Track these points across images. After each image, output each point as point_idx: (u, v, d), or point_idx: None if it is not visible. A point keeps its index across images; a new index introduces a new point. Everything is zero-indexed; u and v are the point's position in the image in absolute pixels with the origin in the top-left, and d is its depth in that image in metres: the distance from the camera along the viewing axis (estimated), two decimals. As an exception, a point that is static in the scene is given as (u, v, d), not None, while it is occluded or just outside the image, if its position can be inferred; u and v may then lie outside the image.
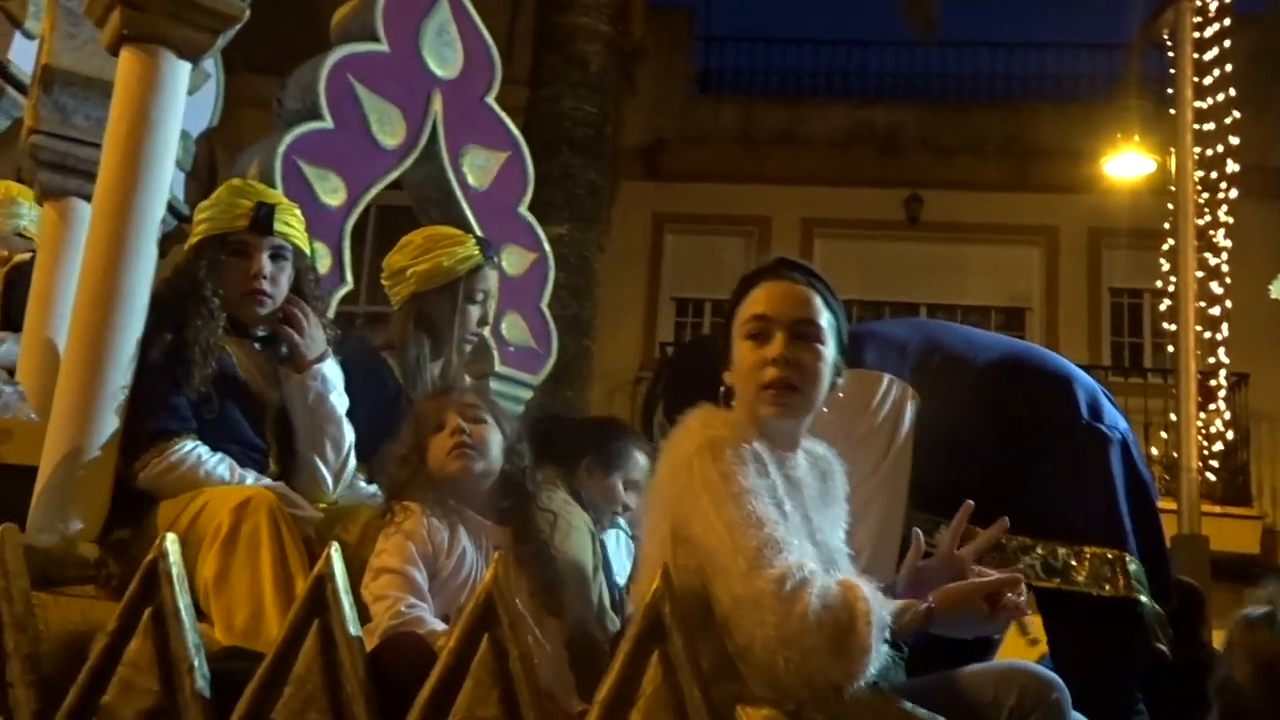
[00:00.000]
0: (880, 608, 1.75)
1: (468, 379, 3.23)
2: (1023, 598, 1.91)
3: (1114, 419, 2.76)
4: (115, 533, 2.48)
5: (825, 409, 2.07)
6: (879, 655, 1.74)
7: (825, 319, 2.04)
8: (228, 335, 2.65)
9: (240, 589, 2.25)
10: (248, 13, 2.72)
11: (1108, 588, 2.56)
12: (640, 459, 3.12)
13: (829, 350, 2.03)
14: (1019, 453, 2.67)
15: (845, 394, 2.11)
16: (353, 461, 2.72)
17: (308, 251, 2.83)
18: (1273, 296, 5.22)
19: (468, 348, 3.28)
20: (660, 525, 1.95)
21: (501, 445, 2.41)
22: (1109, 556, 2.58)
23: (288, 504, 2.43)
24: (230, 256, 2.66)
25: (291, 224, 2.75)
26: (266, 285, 2.67)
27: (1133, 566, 2.60)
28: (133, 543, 2.46)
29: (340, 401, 2.69)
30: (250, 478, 2.54)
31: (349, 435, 2.69)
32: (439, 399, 2.46)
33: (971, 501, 2.12)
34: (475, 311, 3.21)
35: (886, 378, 2.71)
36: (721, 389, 2.06)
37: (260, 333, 2.75)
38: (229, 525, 2.28)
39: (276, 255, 2.70)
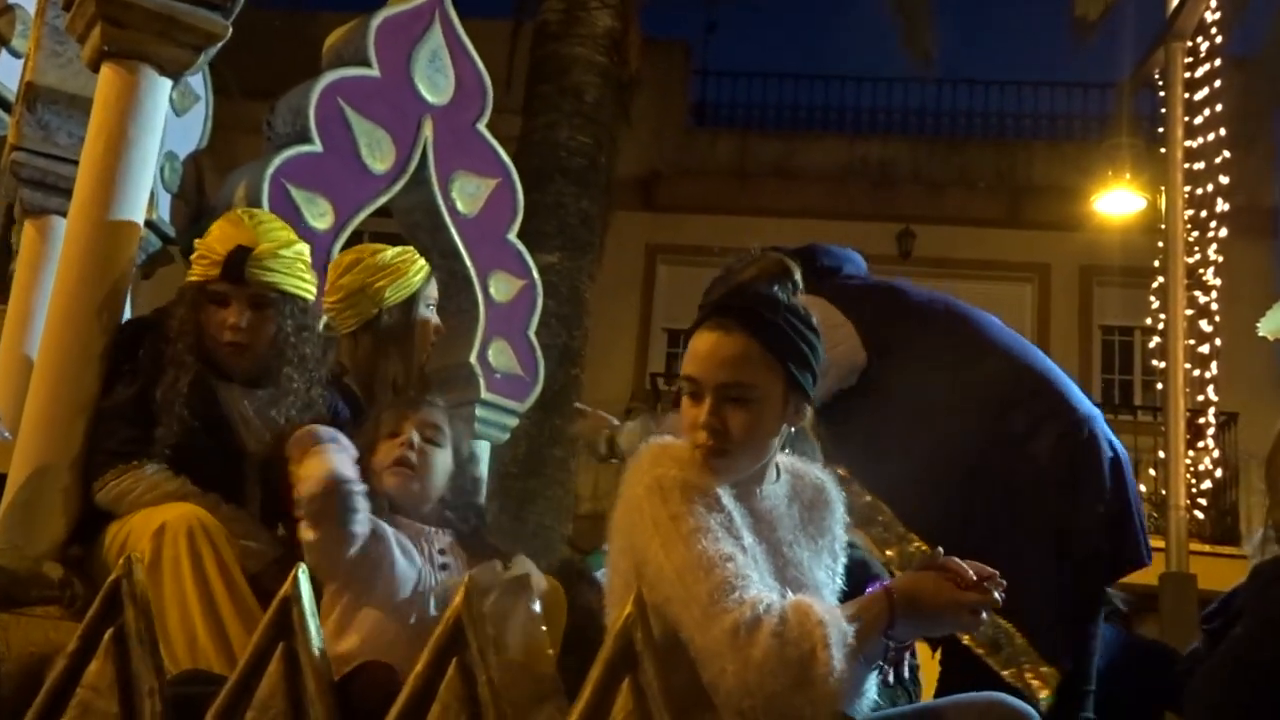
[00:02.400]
0: (838, 623, 1.70)
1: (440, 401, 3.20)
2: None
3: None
4: (71, 549, 2.45)
5: (784, 448, 2.01)
6: (851, 673, 1.69)
7: (761, 370, 1.90)
8: (217, 379, 2.60)
9: (173, 619, 2.22)
10: (230, 30, 2.70)
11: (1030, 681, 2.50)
12: None
13: (768, 402, 1.91)
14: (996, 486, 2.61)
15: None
16: None
17: (302, 293, 2.70)
18: (1261, 335, 5.20)
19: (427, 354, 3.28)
20: (620, 561, 1.92)
21: (448, 472, 2.32)
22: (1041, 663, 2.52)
23: (235, 524, 2.41)
24: (210, 305, 2.60)
25: (274, 268, 2.62)
26: (240, 337, 2.60)
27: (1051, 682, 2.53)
28: (87, 560, 2.43)
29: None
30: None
31: None
32: (405, 408, 2.37)
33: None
34: (433, 316, 3.26)
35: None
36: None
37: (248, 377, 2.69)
38: (150, 553, 2.24)
39: (259, 303, 2.62)
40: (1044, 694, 2.49)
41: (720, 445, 1.88)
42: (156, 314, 2.65)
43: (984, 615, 1.80)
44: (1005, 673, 2.48)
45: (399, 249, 3.31)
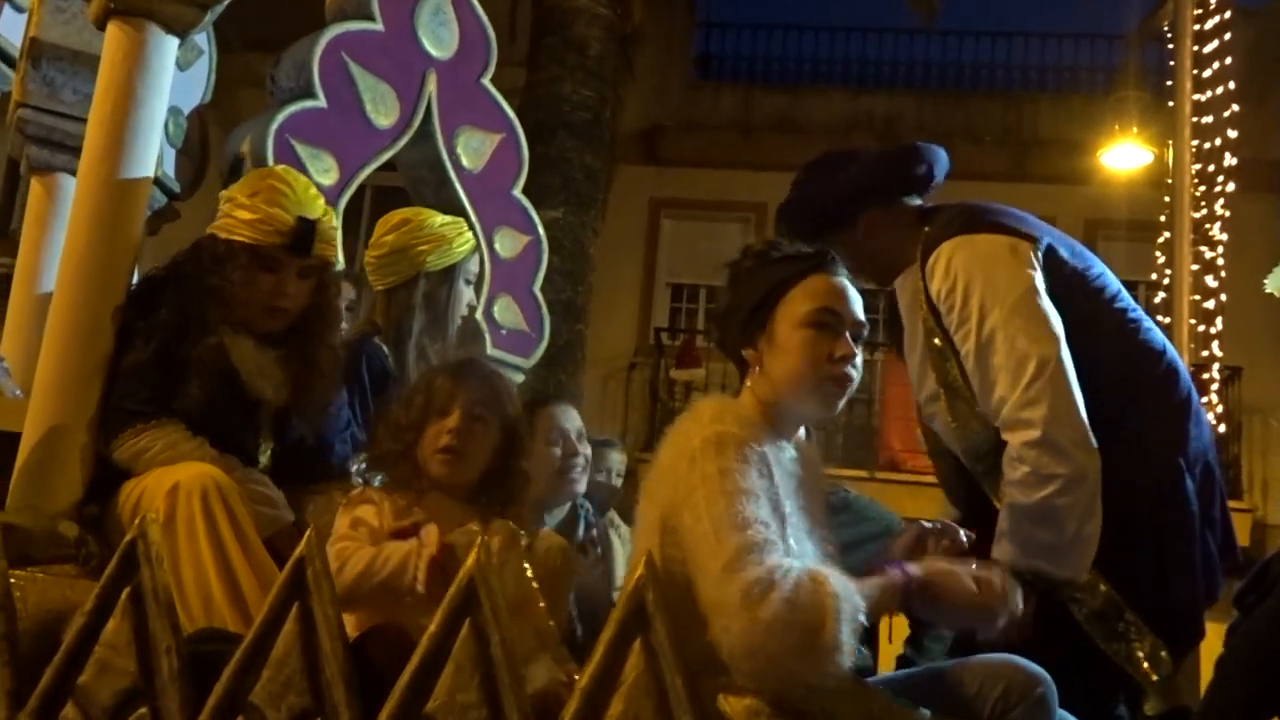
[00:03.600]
0: (850, 597, 1.72)
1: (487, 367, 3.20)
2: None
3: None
4: (87, 508, 2.46)
5: None
6: (854, 647, 1.71)
7: None
8: (232, 333, 2.58)
9: (188, 577, 2.23)
10: (236, -11, 2.68)
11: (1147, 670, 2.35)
12: None
13: None
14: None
15: None
16: None
17: (338, 261, 2.74)
18: (1268, 290, 5.19)
19: (456, 328, 3.28)
20: (651, 511, 1.93)
21: (494, 446, 2.31)
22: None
23: (252, 485, 2.42)
24: (259, 269, 2.57)
25: (330, 240, 2.66)
26: (288, 303, 2.61)
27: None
28: (102, 519, 2.44)
29: None
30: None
31: None
32: (455, 381, 2.32)
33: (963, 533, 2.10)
34: (469, 294, 3.25)
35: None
36: (744, 364, 2.05)
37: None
38: (164, 512, 2.24)
39: (306, 272, 2.63)
40: (1154, 676, 2.35)
41: (852, 380, 2.00)
42: (170, 268, 2.62)
43: (999, 623, 1.84)
44: (1110, 646, 2.34)
45: (450, 218, 3.32)
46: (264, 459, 2.59)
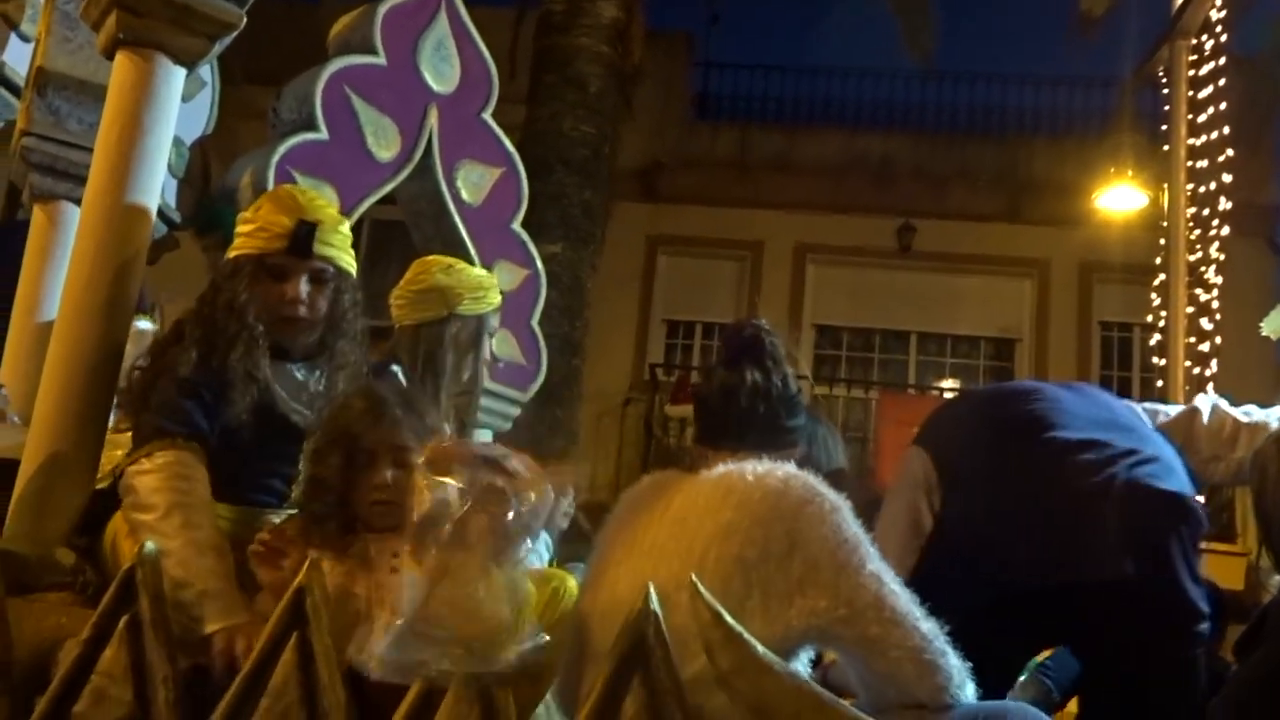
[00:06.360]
0: None
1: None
2: None
3: None
4: (79, 539, 2.43)
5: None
6: None
7: None
8: (262, 351, 2.53)
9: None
10: (245, 19, 2.70)
11: None
12: None
13: None
14: None
15: None
16: None
17: (353, 270, 2.69)
18: (1265, 333, 5.21)
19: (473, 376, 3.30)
20: (725, 547, 1.92)
21: None
22: None
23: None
24: (268, 278, 2.54)
25: (335, 243, 2.61)
26: (303, 310, 2.56)
27: None
28: (92, 549, 2.42)
29: None
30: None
31: None
32: (374, 431, 2.24)
33: None
34: (487, 346, 3.30)
35: None
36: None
37: (298, 356, 2.64)
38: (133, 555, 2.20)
39: (317, 277, 2.58)
40: None
41: None
42: (211, 291, 2.58)
43: None
44: None
45: (483, 271, 3.46)
46: (296, 492, 2.54)
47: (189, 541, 2.22)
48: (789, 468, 2.01)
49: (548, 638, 1.77)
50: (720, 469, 2.04)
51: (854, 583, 1.88)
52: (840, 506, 1.95)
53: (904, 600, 1.89)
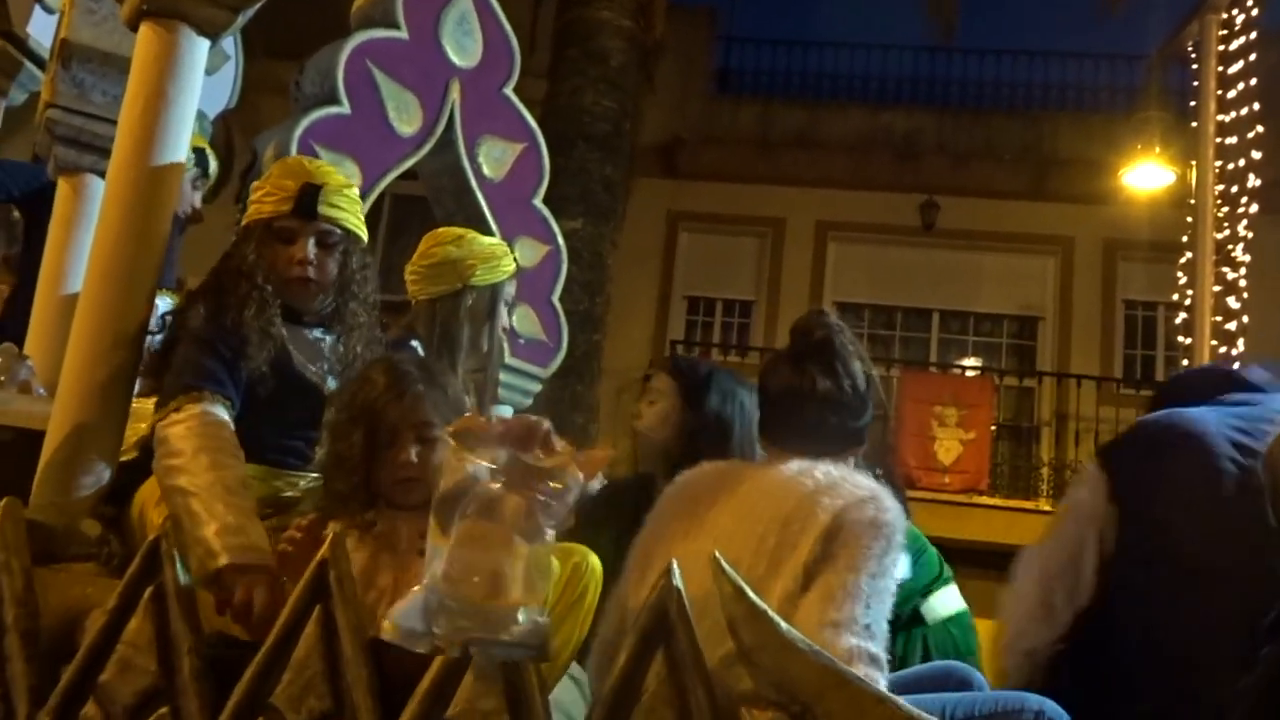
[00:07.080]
0: None
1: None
2: None
3: None
4: (105, 508, 2.45)
5: None
6: None
7: None
8: (284, 322, 2.56)
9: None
10: (268, -8, 2.69)
11: None
12: None
13: None
14: None
15: None
16: None
17: (361, 233, 2.70)
18: (1292, 312, 5.17)
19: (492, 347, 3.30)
20: (769, 537, 1.95)
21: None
22: None
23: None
24: (276, 241, 2.57)
25: (341, 205, 2.63)
26: (311, 271, 2.58)
27: None
28: (118, 520, 2.43)
29: None
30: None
31: None
32: (396, 406, 2.22)
33: None
34: (504, 316, 3.29)
35: None
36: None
37: (313, 318, 2.66)
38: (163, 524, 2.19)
39: (324, 240, 2.60)
40: None
41: None
42: (224, 258, 2.62)
43: None
44: None
45: (497, 240, 3.40)
46: (320, 453, 2.53)
47: (216, 480, 2.25)
48: (872, 486, 2.00)
49: (547, 619, 1.76)
50: (794, 467, 2.04)
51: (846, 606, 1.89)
52: (895, 546, 1.93)
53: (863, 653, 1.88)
